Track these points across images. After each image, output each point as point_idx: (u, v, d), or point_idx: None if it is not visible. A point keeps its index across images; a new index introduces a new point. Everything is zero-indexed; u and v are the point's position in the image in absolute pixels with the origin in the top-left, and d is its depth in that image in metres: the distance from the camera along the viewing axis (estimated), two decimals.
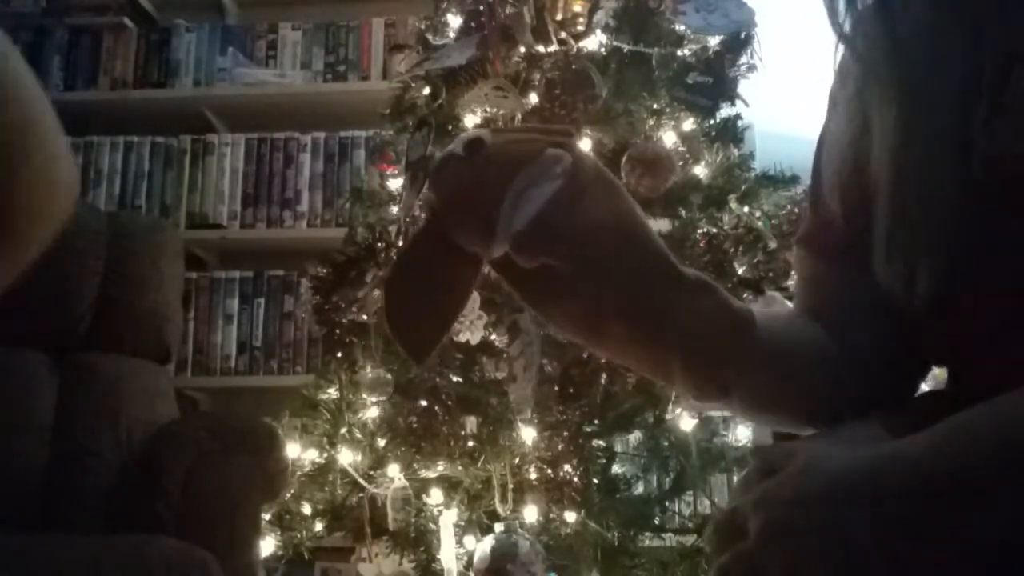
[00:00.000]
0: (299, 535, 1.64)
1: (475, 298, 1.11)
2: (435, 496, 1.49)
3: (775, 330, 0.63)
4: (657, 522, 1.56)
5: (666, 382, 0.59)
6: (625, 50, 1.55)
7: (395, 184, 1.73)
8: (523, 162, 0.52)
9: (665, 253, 0.56)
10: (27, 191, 0.49)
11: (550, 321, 0.59)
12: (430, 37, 1.72)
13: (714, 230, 1.59)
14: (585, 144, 1.55)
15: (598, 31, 1.57)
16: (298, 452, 1.62)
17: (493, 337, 1.42)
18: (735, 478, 1.66)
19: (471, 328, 1.37)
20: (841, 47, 0.63)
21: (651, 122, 1.56)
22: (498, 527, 1.39)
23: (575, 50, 1.52)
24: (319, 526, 1.65)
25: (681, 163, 1.56)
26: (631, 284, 0.55)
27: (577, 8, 1.55)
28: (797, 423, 0.68)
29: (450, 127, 1.58)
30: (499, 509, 1.42)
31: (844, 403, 0.63)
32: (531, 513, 1.41)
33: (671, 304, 0.56)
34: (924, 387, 0.68)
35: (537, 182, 0.52)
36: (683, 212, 1.58)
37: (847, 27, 0.60)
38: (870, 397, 0.63)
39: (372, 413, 1.57)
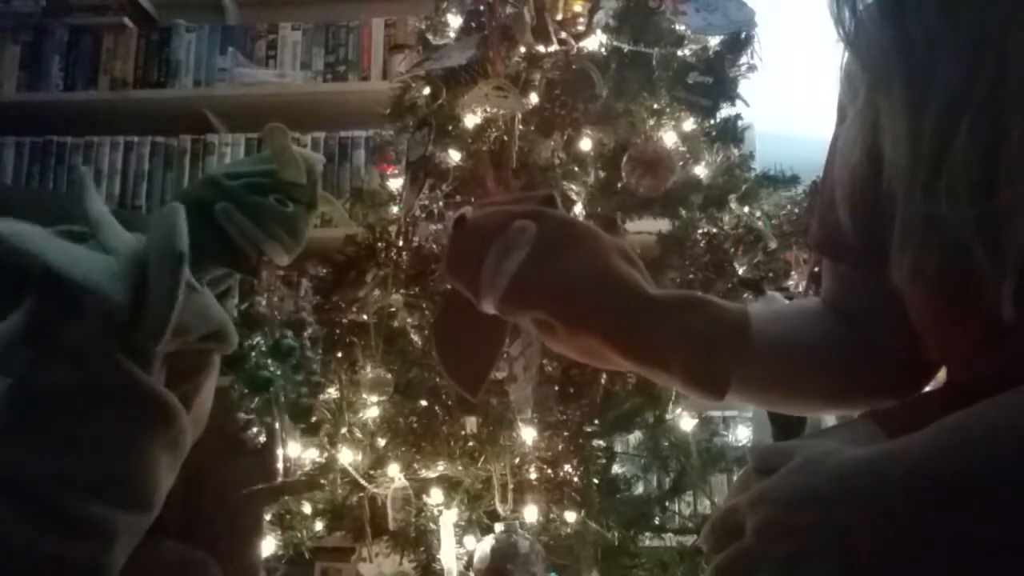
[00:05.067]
0: (299, 535, 1.64)
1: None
2: (435, 496, 1.49)
3: (775, 325, 0.67)
4: (657, 522, 1.55)
5: (672, 386, 0.64)
6: (625, 50, 1.55)
7: (395, 184, 1.73)
8: (495, 233, 0.62)
9: (636, 285, 0.62)
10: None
11: (561, 352, 0.68)
12: (430, 37, 1.72)
13: (714, 230, 1.59)
14: (585, 145, 1.55)
15: (598, 31, 1.57)
16: (298, 452, 1.62)
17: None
18: (735, 478, 1.66)
19: None
20: (846, 53, 0.62)
21: (651, 122, 1.56)
22: (498, 527, 1.39)
23: (575, 50, 1.52)
24: (319, 526, 1.65)
25: (681, 163, 1.56)
26: (610, 321, 0.62)
27: (577, 8, 1.55)
28: (804, 407, 0.77)
29: (450, 127, 1.57)
30: (499, 509, 1.42)
31: (857, 388, 0.68)
32: (531, 513, 1.41)
33: (654, 326, 0.61)
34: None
35: (509, 253, 0.61)
36: (683, 212, 1.58)
37: (851, 32, 0.60)
38: (883, 383, 0.67)
39: (372, 413, 1.57)
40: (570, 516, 1.43)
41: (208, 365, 0.72)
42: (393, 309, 1.58)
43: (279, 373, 1.04)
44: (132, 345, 0.64)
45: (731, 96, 1.60)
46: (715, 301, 0.64)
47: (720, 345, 0.62)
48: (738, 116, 1.67)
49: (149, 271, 0.65)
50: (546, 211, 0.64)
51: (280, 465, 1.26)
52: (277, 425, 1.17)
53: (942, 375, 0.65)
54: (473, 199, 1.47)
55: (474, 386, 0.68)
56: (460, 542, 1.48)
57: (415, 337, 1.58)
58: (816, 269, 1.50)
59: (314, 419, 1.53)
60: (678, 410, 1.51)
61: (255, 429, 1.17)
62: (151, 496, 0.65)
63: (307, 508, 1.64)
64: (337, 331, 1.60)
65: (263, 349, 1.02)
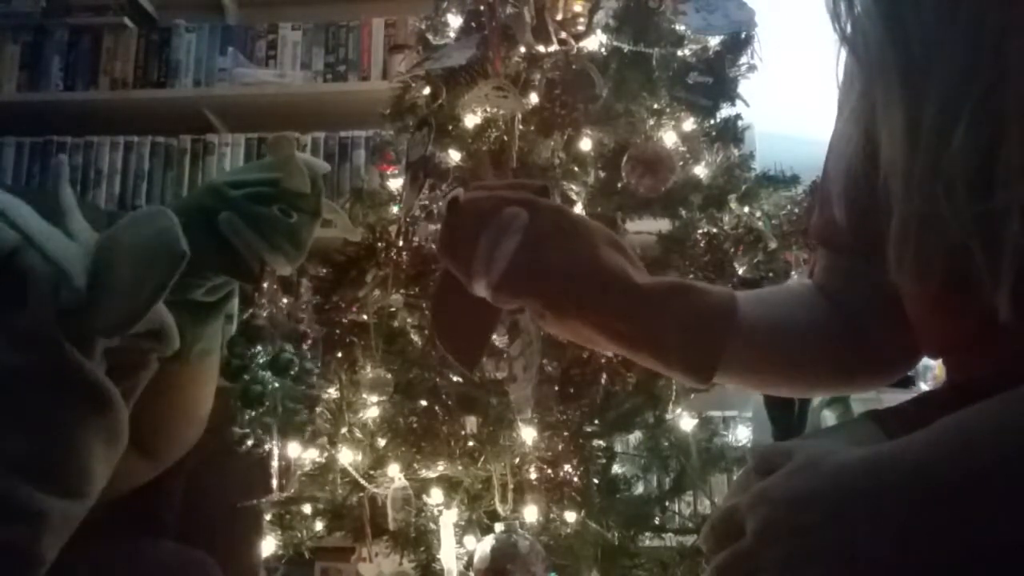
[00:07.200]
0: (299, 535, 1.64)
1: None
2: (435, 496, 1.48)
3: (762, 308, 0.69)
4: (657, 522, 1.55)
5: (661, 371, 0.67)
6: (625, 50, 1.55)
7: (395, 184, 1.73)
8: (487, 219, 0.62)
9: (623, 275, 0.64)
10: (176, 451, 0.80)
11: (553, 333, 0.70)
12: (430, 37, 1.72)
13: (714, 230, 1.59)
14: (585, 145, 1.55)
15: (598, 31, 1.57)
16: (298, 452, 1.62)
17: (493, 337, 1.42)
18: (735, 478, 1.66)
19: None
20: (844, 52, 0.62)
21: (651, 122, 1.56)
22: (498, 527, 1.39)
23: (575, 50, 1.52)
24: (319, 526, 1.65)
25: (681, 163, 1.56)
26: (597, 311, 0.64)
27: (577, 8, 1.54)
28: (791, 389, 0.77)
29: (450, 127, 1.57)
30: (499, 509, 1.42)
31: (842, 370, 0.70)
32: (531, 513, 1.41)
33: (640, 315, 0.63)
34: (923, 387, 0.69)
35: (500, 241, 0.62)
36: (683, 212, 1.58)
37: (848, 30, 0.60)
38: (868, 367, 0.69)
39: (372, 413, 1.56)
40: (570, 516, 1.43)
41: (147, 364, 0.72)
42: (393, 309, 1.57)
43: (276, 386, 1.03)
44: (79, 332, 0.63)
45: (731, 96, 1.60)
46: (701, 286, 0.66)
47: (706, 330, 0.64)
48: (738, 116, 1.67)
49: (115, 262, 0.64)
50: (538, 200, 0.65)
51: (275, 481, 1.26)
52: (270, 442, 1.17)
53: (942, 374, 0.65)
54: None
55: (471, 361, 0.71)
56: (460, 542, 1.48)
57: (415, 337, 1.58)
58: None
59: (310, 429, 1.53)
60: (678, 410, 1.51)
61: (249, 443, 1.17)
62: (84, 483, 0.64)
63: (307, 508, 1.64)
64: (337, 331, 1.60)
65: (259, 362, 1.01)
